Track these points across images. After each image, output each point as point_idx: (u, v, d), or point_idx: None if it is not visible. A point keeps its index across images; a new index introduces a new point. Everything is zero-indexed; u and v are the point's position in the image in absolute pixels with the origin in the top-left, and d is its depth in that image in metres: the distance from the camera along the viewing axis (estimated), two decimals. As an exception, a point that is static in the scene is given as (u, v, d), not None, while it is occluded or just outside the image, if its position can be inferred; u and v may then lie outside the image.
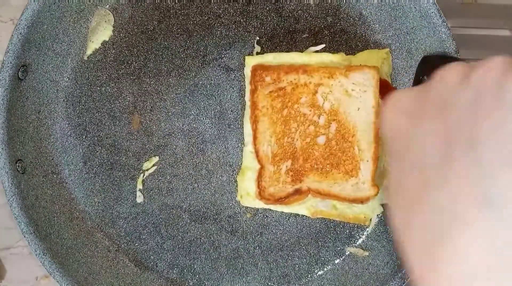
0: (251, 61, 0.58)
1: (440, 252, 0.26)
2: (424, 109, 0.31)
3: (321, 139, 0.55)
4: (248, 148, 0.58)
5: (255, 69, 0.57)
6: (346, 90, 0.55)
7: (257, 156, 0.57)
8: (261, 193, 0.57)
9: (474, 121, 0.27)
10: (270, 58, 0.57)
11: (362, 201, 0.55)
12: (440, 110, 0.29)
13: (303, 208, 0.58)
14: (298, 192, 0.56)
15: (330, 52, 0.59)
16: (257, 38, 0.61)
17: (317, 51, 0.60)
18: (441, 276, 0.26)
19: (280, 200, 0.56)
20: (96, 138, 0.61)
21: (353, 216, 0.57)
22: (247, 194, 0.58)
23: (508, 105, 0.26)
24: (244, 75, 0.58)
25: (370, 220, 0.59)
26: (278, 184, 0.56)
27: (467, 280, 0.25)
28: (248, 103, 0.58)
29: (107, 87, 0.62)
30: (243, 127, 0.59)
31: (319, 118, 0.55)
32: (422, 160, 0.29)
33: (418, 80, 0.55)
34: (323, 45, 0.60)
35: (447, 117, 0.28)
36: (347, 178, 0.55)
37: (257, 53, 0.61)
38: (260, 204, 0.58)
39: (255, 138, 0.56)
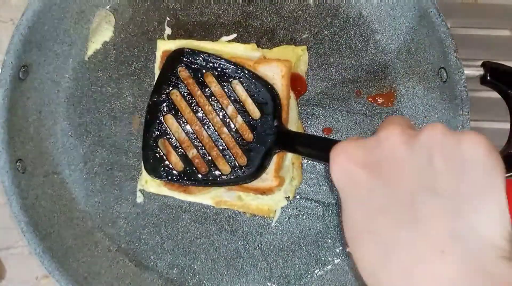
0: (162, 46, 0.58)
1: (419, 273, 0.32)
2: (379, 164, 0.35)
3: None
4: None
5: (166, 54, 0.57)
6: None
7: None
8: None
9: (433, 174, 0.33)
10: (183, 44, 0.57)
11: (264, 191, 0.56)
12: (395, 164, 0.34)
13: (207, 197, 0.58)
14: None
15: (241, 43, 0.59)
16: (168, 19, 0.61)
17: (229, 41, 0.61)
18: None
19: (184, 188, 0.57)
20: (96, 138, 0.61)
21: (257, 208, 0.58)
22: (152, 180, 0.58)
23: (455, 161, 0.32)
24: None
25: (275, 212, 0.60)
26: None
27: None
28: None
29: (108, 88, 0.62)
30: None
31: (226, 108, 0.55)
32: (388, 206, 0.34)
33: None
34: (234, 35, 0.61)
35: (405, 172, 0.33)
36: None
37: (168, 37, 0.61)
38: (164, 191, 0.58)
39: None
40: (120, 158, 0.61)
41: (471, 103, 0.55)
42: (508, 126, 0.53)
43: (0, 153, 0.55)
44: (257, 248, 0.60)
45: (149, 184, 0.59)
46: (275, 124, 0.55)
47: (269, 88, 0.55)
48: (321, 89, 0.61)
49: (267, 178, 0.56)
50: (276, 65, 0.56)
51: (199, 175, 0.55)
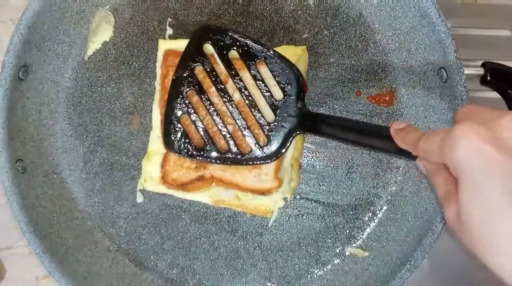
0: (163, 45, 0.59)
1: None
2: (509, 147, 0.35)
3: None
4: (156, 132, 0.58)
5: (168, 54, 0.57)
6: (256, 83, 0.55)
7: (164, 140, 0.57)
8: (164, 178, 0.57)
9: None
10: (184, 43, 0.57)
11: (263, 192, 0.56)
12: None
13: (205, 196, 0.58)
14: (201, 179, 0.57)
15: None
16: (169, 19, 0.62)
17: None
18: None
19: (182, 186, 0.57)
20: (96, 138, 0.61)
21: (254, 208, 0.58)
22: (151, 178, 0.58)
23: None
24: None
25: (272, 212, 0.60)
26: (182, 169, 0.57)
27: None
28: (158, 88, 0.58)
29: (108, 88, 0.62)
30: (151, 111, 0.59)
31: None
32: None
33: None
34: None
35: None
36: (250, 168, 0.56)
37: (170, 37, 0.61)
38: (163, 189, 0.58)
39: (163, 122, 0.57)
40: (120, 158, 0.61)
41: (471, 103, 0.55)
42: (508, 126, 0.52)
43: (0, 153, 0.55)
44: (257, 248, 0.60)
45: (148, 182, 0.59)
46: (299, 105, 0.55)
47: (294, 69, 0.55)
48: (321, 89, 0.61)
49: (267, 179, 0.56)
50: None
51: (219, 153, 0.55)
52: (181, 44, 0.57)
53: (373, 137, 0.50)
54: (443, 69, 0.56)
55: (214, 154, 0.55)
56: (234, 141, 0.55)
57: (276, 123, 0.55)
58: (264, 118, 0.55)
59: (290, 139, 0.55)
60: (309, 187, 0.61)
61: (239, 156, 0.55)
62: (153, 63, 0.61)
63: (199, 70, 0.56)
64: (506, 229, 0.34)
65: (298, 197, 0.61)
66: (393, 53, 0.60)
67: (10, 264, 0.64)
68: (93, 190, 0.61)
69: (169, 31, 0.62)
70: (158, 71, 0.59)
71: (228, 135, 0.55)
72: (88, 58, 0.62)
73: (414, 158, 0.45)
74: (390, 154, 0.49)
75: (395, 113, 0.61)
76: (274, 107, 0.55)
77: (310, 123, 0.54)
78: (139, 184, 0.60)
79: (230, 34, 0.55)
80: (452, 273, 0.64)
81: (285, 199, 0.59)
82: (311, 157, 0.61)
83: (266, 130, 0.55)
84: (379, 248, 0.59)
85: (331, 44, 0.61)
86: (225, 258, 0.60)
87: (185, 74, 0.55)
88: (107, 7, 0.62)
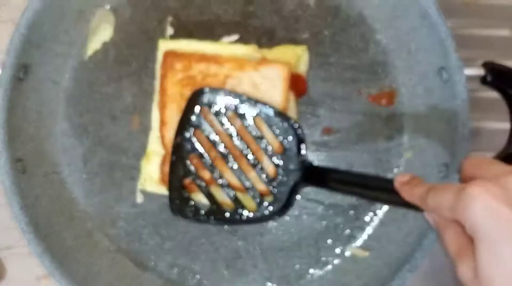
0: (164, 45, 0.59)
1: None
2: None
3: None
4: (155, 133, 0.59)
5: (167, 55, 0.57)
6: (255, 84, 0.55)
7: (163, 141, 0.57)
8: (163, 179, 0.57)
9: None
10: (184, 44, 0.57)
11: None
12: None
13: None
14: None
15: (241, 43, 0.60)
16: (170, 18, 0.62)
17: (230, 42, 0.61)
18: None
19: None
20: (96, 138, 0.61)
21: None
22: (151, 178, 0.58)
23: None
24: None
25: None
26: None
27: None
28: (157, 89, 0.58)
29: (108, 88, 0.62)
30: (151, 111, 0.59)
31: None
32: None
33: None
34: (236, 36, 0.61)
35: None
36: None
37: (170, 36, 0.61)
38: (162, 190, 0.58)
39: (162, 123, 0.57)
40: (120, 158, 0.61)
41: (471, 103, 0.55)
42: (508, 126, 0.52)
43: (0, 153, 0.55)
44: (257, 248, 0.60)
45: (147, 183, 0.59)
46: (300, 159, 0.55)
47: (291, 123, 0.55)
48: (321, 89, 0.61)
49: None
50: (277, 68, 0.56)
51: (226, 214, 0.56)
52: (182, 45, 0.57)
53: (378, 191, 0.49)
54: (443, 69, 0.56)
55: (221, 215, 0.56)
56: (239, 201, 0.56)
57: (280, 179, 0.55)
58: (267, 174, 0.55)
59: (296, 194, 0.55)
60: (309, 188, 0.61)
61: (246, 216, 0.56)
62: (153, 63, 0.61)
63: (198, 133, 0.56)
64: None
65: (298, 197, 0.61)
66: (393, 53, 0.61)
67: (10, 264, 0.64)
68: (93, 190, 0.61)
69: (170, 31, 0.62)
70: (158, 71, 0.59)
71: (233, 196, 0.56)
72: (88, 58, 0.62)
73: (422, 210, 0.44)
74: (398, 207, 0.49)
75: (395, 113, 0.61)
76: (276, 163, 0.55)
77: (313, 176, 0.54)
78: (139, 184, 0.60)
79: (223, 93, 0.55)
80: (452, 273, 0.64)
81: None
82: (311, 157, 0.61)
83: (270, 187, 0.55)
84: (379, 248, 0.59)
85: (331, 44, 0.61)
86: (225, 258, 0.60)
87: (184, 139, 0.56)
88: (107, 7, 0.62)
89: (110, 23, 0.62)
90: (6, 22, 0.65)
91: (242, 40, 0.61)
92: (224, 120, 0.55)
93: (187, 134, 0.56)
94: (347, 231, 0.60)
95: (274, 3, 0.61)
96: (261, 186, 0.56)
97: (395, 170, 0.61)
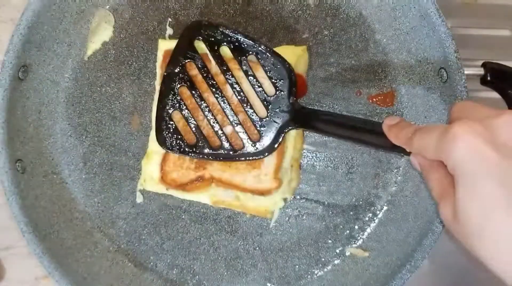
0: (163, 45, 0.59)
1: None
2: (507, 144, 0.35)
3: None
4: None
5: (167, 54, 0.57)
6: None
7: None
8: (163, 178, 0.58)
9: None
10: None
11: (263, 193, 0.56)
12: None
13: (205, 196, 0.58)
14: (200, 179, 0.57)
15: None
16: (169, 19, 0.62)
17: None
18: None
19: (182, 186, 0.57)
20: (96, 139, 0.61)
21: (254, 208, 0.58)
22: (151, 178, 0.58)
23: None
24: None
25: (272, 213, 0.59)
26: (182, 169, 0.57)
27: None
28: (158, 88, 0.58)
29: (107, 88, 0.62)
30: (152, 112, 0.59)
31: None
32: None
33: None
34: None
35: None
36: (249, 169, 0.56)
37: (170, 36, 0.61)
38: (162, 189, 0.58)
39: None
40: (120, 158, 0.61)
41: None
42: (508, 126, 0.52)
43: (0, 153, 0.55)
44: (257, 248, 0.60)
45: (147, 183, 0.59)
46: (291, 101, 0.55)
47: (286, 65, 0.55)
48: (321, 89, 0.61)
49: (266, 180, 0.56)
50: None
51: (211, 149, 0.55)
52: None
53: (366, 133, 0.49)
54: (443, 69, 0.56)
55: (206, 150, 0.55)
56: (226, 137, 0.55)
57: (268, 119, 0.55)
58: (256, 113, 0.55)
59: (283, 135, 0.55)
60: (309, 187, 0.61)
61: (231, 152, 0.55)
62: (153, 63, 0.61)
63: (190, 66, 0.56)
64: (502, 225, 0.34)
65: (298, 197, 0.61)
66: (393, 53, 0.60)
67: (9, 264, 0.64)
68: (92, 190, 0.61)
69: (169, 31, 0.62)
70: (158, 71, 0.59)
71: (220, 131, 0.55)
72: (88, 58, 0.62)
73: (408, 153, 0.44)
74: (384, 150, 0.49)
75: (395, 113, 0.61)
76: (266, 103, 0.55)
77: (302, 118, 0.54)
78: (139, 184, 0.60)
79: (221, 29, 0.55)
80: (452, 273, 0.64)
81: (285, 199, 0.59)
82: (311, 157, 0.61)
83: (258, 126, 0.55)
84: (379, 249, 0.59)
85: (331, 44, 0.61)
86: (225, 258, 0.60)
87: (176, 70, 0.55)
88: (107, 7, 0.62)
89: (110, 23, 0.62)
90: (6, 22, 0.66)
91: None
92: (218, 55, 0.55)
93: (180, 66, 0.55)
94: (347, 231, 0.60)
95: (274, 3, 0.61)
96: (249, 124, 0.55)
97: (395, 170, 0.61)
